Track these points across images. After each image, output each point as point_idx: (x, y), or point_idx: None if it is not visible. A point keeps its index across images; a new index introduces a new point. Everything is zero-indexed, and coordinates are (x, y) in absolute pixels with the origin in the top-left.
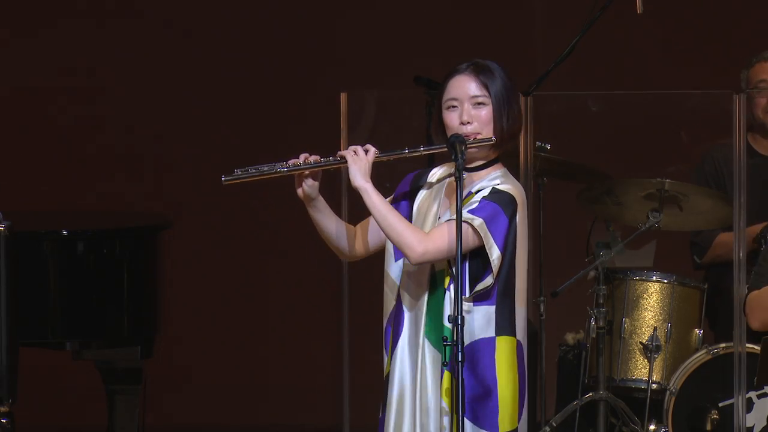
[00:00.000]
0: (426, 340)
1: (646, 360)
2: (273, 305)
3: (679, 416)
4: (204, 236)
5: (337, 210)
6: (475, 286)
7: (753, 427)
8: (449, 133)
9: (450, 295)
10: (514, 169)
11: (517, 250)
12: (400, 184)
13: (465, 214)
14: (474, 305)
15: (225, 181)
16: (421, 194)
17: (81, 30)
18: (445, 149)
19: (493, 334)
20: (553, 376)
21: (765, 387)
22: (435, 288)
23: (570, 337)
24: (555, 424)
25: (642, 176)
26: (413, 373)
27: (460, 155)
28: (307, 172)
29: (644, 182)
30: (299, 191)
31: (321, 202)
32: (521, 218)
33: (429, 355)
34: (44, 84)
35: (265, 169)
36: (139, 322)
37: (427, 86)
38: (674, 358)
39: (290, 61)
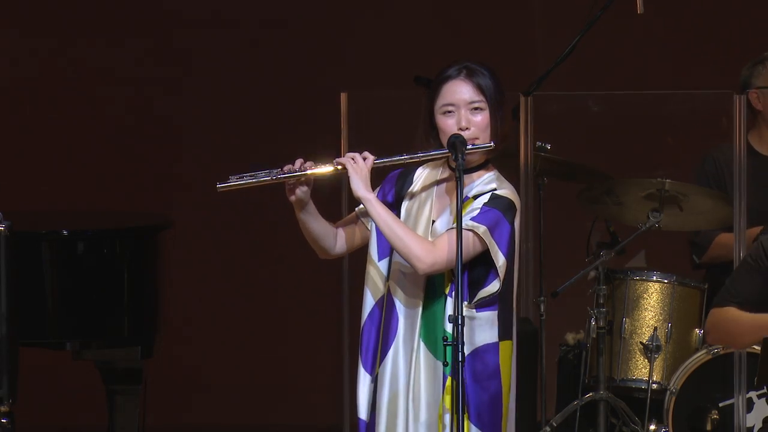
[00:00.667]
0: (421, 343)
1: (646, 360)
2: (273, 305)
3: (679, 416)
4: (204, 236)
5: (337, 212)
6: (476, 292)
7: (753, 427)
8: (444, 138)
9: (452, 301)
10: (514, 169)
11: (514, 255)
12: (383, 183)
13: (468, 222)
14: (477, 311)
15: (220, 188)
16: (409, 196)
17: (81, 30)
18: (444, 155)
19: (497, 339)
20: (553, 376)
21: (766, 387)
22: (432, 291)
23: (570, 337)
24: (555, 424)
25: (642, 176)
26: (407, 375)
27: (460, 156)
28: (303, 179)
29: (644, 182)
30: (291, 197)
31: (311, 206)
32: (517, 223)
33: (423, 357)
34: (44, 84)
35: (261, 175)
36: (139, 322)
37: (427, 86)
38: (674, 358)
39: (290, 61)
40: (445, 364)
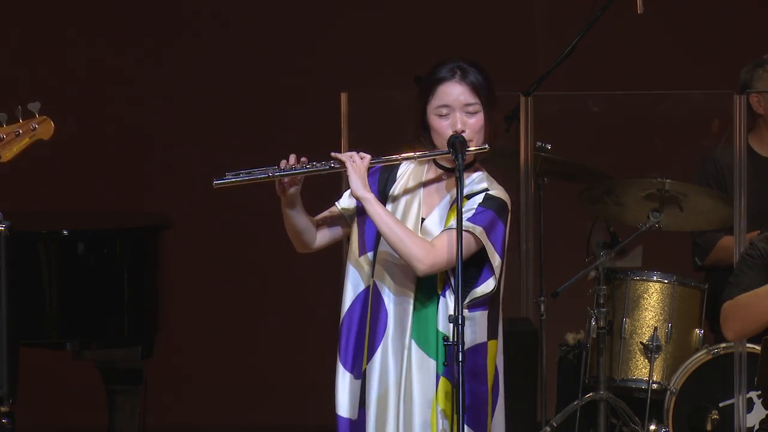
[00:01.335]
0: (413, 342)
1: (646, 360)
2: (273, 305)
3: (679, 416)
4: (204, 236)
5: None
6: (467, 292)
7: (753, 427)
8: (437, 138)
9: (446, 301)
10: (514, 169)
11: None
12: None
13: (466, 223)
14: (469, 311)
15: (216, 184)
16: (394, 194)
17: (81, 30)
18: (442, 155)
19: (485, 339)
20: (553, 376)
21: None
22: (424, 291)
23: (570, 337)
24: (555, 424)
25: (642, 176)
26: (398, 373)
27: (460, 156)
28: (299, 177)
29: (644, 182)
30: (283, 194)
31: (299, 200)
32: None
33: (415, 355)
34: (44, 84)
35: (258, 172)
36: (139, 322)
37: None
38: (674, 358)
39: (290, 61)
40: (445, 364)
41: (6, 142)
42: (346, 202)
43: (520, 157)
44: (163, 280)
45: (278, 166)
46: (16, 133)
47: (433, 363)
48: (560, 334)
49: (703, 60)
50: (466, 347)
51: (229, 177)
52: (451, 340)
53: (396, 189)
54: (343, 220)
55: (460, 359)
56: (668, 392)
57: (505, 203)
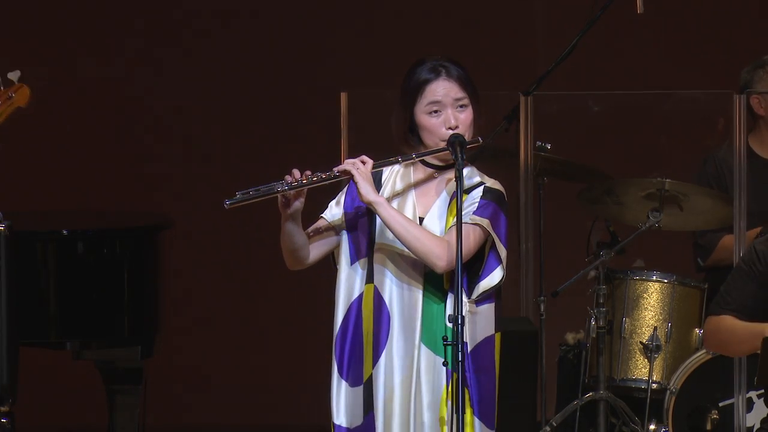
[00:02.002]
0: (422, 345)
1: (646, 360)
2: (273, 305)
3: (679, 416)
4: (204, 236)
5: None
6: (474, 286)
7: (753, 427)
8: (429, 137)
9: (454, 298)
10: (514, 169)
11: None
12: (348, 187)
13: (473, 216)
14: (477, 305)
15: (227, 205)
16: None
17: (81, 30)
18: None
19: (493, 332)
20: (553, 376)
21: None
22: (431, 288)
23: (570, 337)
24: (555, 424)
25: (642, 176)
26: (406, 377)
27: (460, 156)
28: (305, 190)
29: (644, 182)
30: (287, 210)
31: (299, 217)
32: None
33: (425, 357)
34: (44, 85)
35: (266, 189)
36: (139, 322)
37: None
38: (674, 357)
39: (290, 61)
40: (444, 364)
41: None
42: (333, 213)
43: (520, 157)
44: (163, 280)
45: (284, 180)
46: None
47: (441, 361)
48: (560, 334)
49: (703, 60)
50: (477, 341)
51: (239, 196)
52: (450, 339)
53: (384, 194)
54: (333, 231)
55: (460, 359)
56: (668, 392)
57: (503, 194)
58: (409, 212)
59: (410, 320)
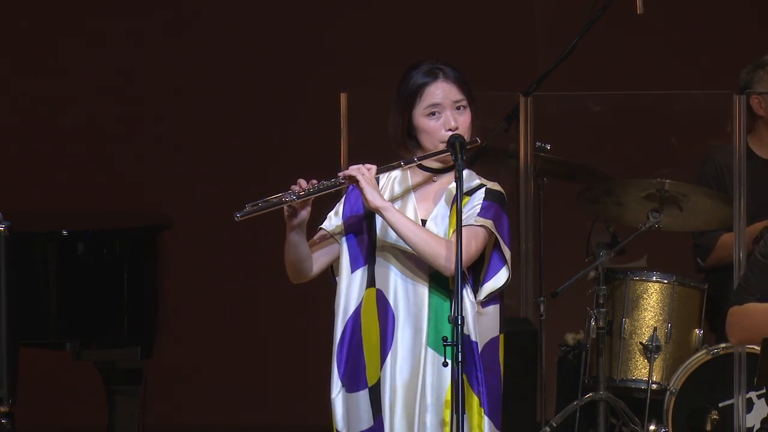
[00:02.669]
0: (429, 348)
1: (646, 360)
2: (273, 305)
3: (679, 416)
4: (204, 236)
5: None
6: (479, 287)
7: (753, 427)
8: (428, 140)
9: (466, 297)
10: (514, 169)
11: None
12: (347, 195)
13: (478, 218)
14: (483, 307)
15: (238, 217)
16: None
17: (80, 31)
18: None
19: (498, 333)
20: (553, 376)
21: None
22: (436, 290)
23: (570, 337)
24: (555, 424)
25: (642, 176)
26: (411, 379)
27: (460, 156)
28: (310, 200)
29: (644, 182)
30: (294, 220)
31: (304, 227)
32: None
33: (431, 359)
34: (44, 85)
35: (274, 200)
36: (139, 323)
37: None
38: (674, 358)
39: (290, 62)
40: (444, 364)
41: None
42: (333, 223)
43: (520, 157)
44: (163, 280)
45: (291, 191)
46: None
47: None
48: (560, 334)
49: (703, 60)
50: (485, 341)
51: (249, 208)
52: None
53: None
54: (334, 241)
55: (459, 359)
56: (668, 392)
57: (504, 195)
58: (410, 216)
59: (417, 320)
